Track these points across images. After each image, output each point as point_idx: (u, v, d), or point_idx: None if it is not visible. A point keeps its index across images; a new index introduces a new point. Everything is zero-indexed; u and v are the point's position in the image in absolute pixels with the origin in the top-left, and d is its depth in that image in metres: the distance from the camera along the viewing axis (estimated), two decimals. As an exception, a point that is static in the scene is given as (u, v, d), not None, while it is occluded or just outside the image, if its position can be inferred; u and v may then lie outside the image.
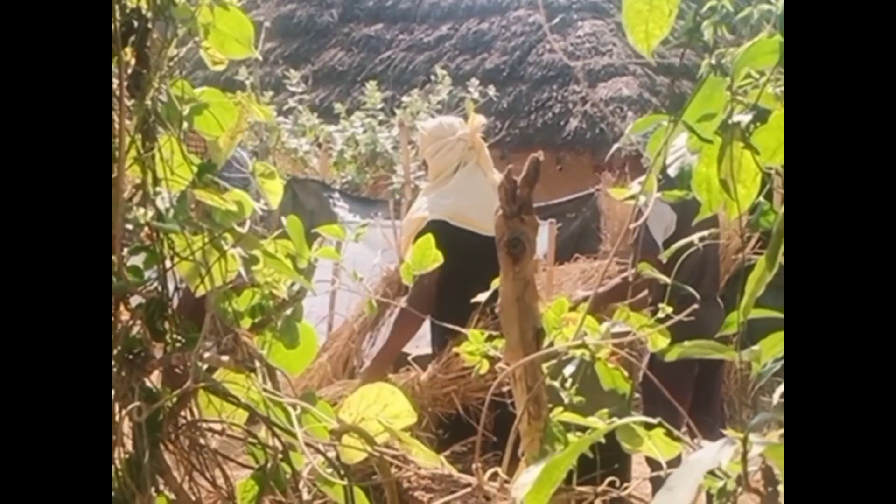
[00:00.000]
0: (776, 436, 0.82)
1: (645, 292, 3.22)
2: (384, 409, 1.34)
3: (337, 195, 8.37)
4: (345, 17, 13.17)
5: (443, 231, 2.92)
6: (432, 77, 10.32)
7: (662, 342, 1.30)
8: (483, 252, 3.22)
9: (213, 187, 1.47)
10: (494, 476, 1.11)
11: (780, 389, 1.54)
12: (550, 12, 11.11)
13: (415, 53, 12.06)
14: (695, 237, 1.38)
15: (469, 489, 1.13)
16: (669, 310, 1.43)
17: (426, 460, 1.29)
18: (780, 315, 1.41)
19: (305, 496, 1.61)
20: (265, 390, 1.39)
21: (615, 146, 4.24)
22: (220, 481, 1.68)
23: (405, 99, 9.96)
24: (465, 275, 2.53)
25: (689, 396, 3.95)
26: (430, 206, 3.32)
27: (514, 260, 1.13)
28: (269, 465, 1.59)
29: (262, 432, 1.67)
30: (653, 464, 1.27)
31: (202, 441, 1.60)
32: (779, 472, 0.77)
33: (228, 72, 9.52)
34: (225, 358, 1.35)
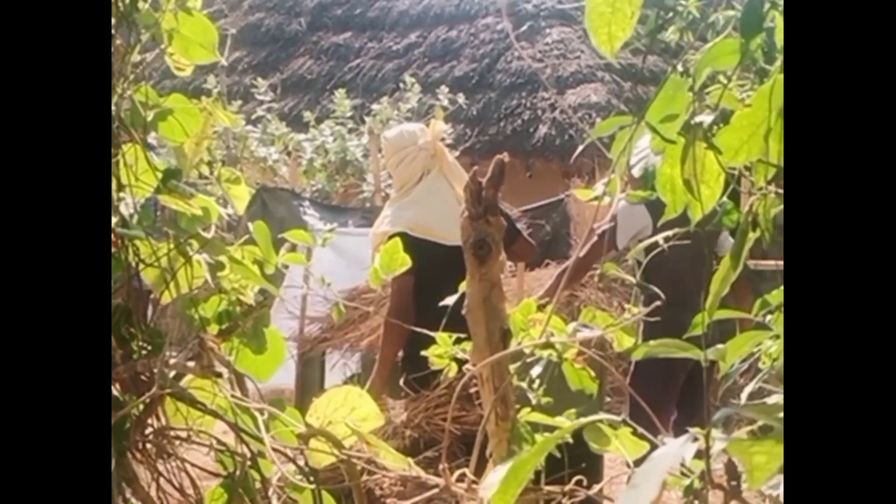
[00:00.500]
0: (744, 432, 0.83)
1: None
2: (352, 412, 1.33)
3: (307, 203, 8.34)
4: (313, 26, 13.16)
5: (404, 244, 2.94)
6: (401, 85, 10.32)
7: (628, 342, 1.31)
8: (446, 261, 3.23)
9: (179, 193, 1.46)
10: (462, 477, 1.11)
11: (749, 389, 1.56)
12: (518, 20, 11.16)
13: (384, 61, 12.07)
14: (659, 237, 1.39)
15: (437, 490, 1.13)
16: (636, 311, 1.44)
17: (394, 463, 1.29)
18: (747, 315, 1.43)
19: (275, 503, 1.61)
20: (233, 396, 1.38)
21: (578, 150, 4.32)
22: (189, 490, 1.66)
23: (375, 107, 9.96)
24: (428, 285, 2.54)
25: (674, 401, 4.00)
26: (391, 219, 3.33)
27: (480, 261, 1.14)
28: (237, 473, 1.58)
29: (232, 439, 1.66)
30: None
31: (170, 449, 1.58)
32: (742, 467, 0.78)
33: (196, 81, 9.48)
34: (191, 364, 1.34)
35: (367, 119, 9.76)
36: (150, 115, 1.50)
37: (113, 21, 1.51)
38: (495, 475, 0.97)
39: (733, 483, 0.80)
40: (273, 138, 9.96)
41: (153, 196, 1.47)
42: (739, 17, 1.13)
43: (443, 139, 3.58)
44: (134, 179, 1.51)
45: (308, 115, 10.20)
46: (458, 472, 1.11)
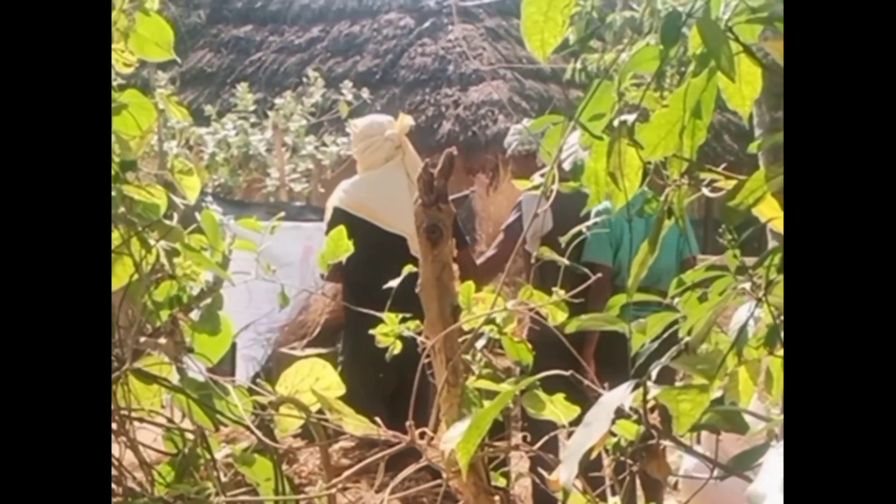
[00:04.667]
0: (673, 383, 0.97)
1: None
2: (316, 381, 1.44)
3: (210, 198, 8.29)
4: (213, 18, 13.02)
5: (341, 219, 3.22)
6: (304, 79, 10.32)
7: (561, 316, 1.45)
8: (376, 242, 3.38)
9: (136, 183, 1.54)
10: (422, 435, 1.23)
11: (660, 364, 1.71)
12: (421, 16, 11.30)
13: (286, 55, 12.04)
14: (582, 227, 1.54)
15: (402, 446, 1.25)
16: (562, 293, 1.59)
17: (358, 426, 1.40)
18: (660, 299, 1.58)
19: (223, 478, 1.70)
20: (202, 374, 1.47)
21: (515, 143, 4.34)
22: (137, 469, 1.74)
23: (278, 101, 9.93)
24: (362, 263, 2.66)
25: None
26: (339, 194, 3.56)
27: (433, 244, 1.26)
28: (186, 451, 1.67)
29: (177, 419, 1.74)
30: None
31: (123, 430, 1.65)
32: (672, 411, 0.93)
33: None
34: (162, 341, 1.43)
35: (269, 113, 9.74)
36: (108, 110, 1.57)
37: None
38: (454, 430, 1.10)
39: (664, 424, 0.95)
40: (174, 132, 9.84)
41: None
42: (660, 27, 1.28)
43: (408, 133, 3.84)
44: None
45: (209, 109, 10.10)
46: (418, 431, 1.24)
